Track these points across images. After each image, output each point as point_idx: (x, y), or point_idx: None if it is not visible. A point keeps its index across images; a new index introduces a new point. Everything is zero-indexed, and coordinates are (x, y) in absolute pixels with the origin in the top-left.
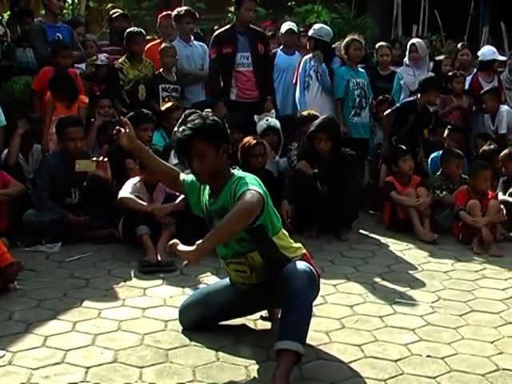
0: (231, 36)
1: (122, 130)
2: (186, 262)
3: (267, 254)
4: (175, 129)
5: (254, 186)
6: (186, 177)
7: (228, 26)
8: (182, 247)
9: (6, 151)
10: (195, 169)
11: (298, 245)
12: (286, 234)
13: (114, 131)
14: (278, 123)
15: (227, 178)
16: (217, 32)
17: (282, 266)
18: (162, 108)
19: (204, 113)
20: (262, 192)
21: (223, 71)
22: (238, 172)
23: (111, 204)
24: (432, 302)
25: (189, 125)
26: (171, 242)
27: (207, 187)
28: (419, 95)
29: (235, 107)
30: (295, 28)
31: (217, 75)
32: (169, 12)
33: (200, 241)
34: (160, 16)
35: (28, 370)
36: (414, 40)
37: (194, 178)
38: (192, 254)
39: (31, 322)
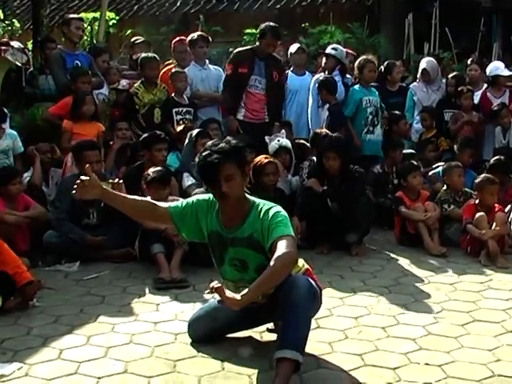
0: (250, 58)
1: (82, 180)
2: (208, 290)
3: None
4: (197, 156)
5: (288, 227)
6: (172, 204)
7: (249, 47)
8: (228, 293)
9: (26, 174)
10: (224, 192)
11: (302, 262)
12: None
13: (75, 186)
14: (289, 143)
15: (248, 207)
16: (237, 50)
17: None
18: (177, 130)
19: (226, 138)
20: (293, 234)
21: (235, 89)
22: (256, 199)
23: (127, 224)
24: (435, 313)
25: (215, 149)
26: (216, 286)
27: (213, 213)
28: None
29: (242, 127)
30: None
31: (228, 91)
32: (182, 37)
33: (244, 292)
34: (174, 41)
35: (43, 381)
36: (424, 64)
37: (182, 206)
38: (237, 303)
39: (48, 337)
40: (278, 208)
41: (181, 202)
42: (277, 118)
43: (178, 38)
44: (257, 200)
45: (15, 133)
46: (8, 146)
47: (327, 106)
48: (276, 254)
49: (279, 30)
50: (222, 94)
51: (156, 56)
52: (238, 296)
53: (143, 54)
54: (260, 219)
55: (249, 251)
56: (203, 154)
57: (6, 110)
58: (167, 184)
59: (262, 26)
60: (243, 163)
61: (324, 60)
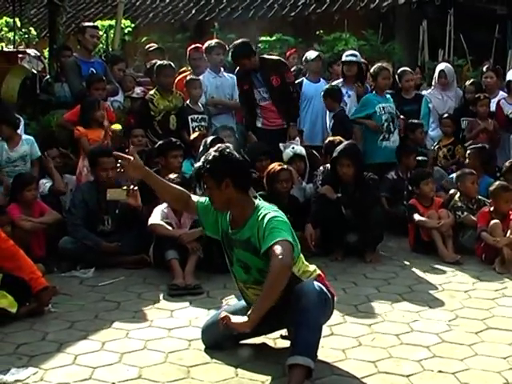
0: (246, 74)
1: (125, 160)
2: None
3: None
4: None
5: (283, 232)
6: (201, 199)
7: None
8: (234, 319)
9: (44, 181)
10: (209, 198)
11: (313, 267)
12: (302, 257)
13: (118, 165)
14: (303, 150)
15: (250, 211)
16: (236, 70)
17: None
18: (191, 137)
19: (217, 146)
20: (290, 238)
21: (248, 106)
22: (261, 204)
23: (142, 230)
24: (449, 320)
25: (202, 158)
26: (223, 316)
27: (226, 213)
28: None
29: (262, 134)
30: (319, 56)
31: (244, 108)
32: (198, 45)
33: (249, 312)
34: (189, 49)
35: None
36: (443, 66)
37: (207, 202)
38: (246, 325)
39: (63, 342)
40: (276, 213)
41: (206, 198)
42: (291, 119)
43: (193, 46)
44: (261, 204)
45: (32, 138)
46: (25, 152)
47: (332, 113)
48: (270, 266)
49: (246, 46)
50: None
51: (171, 63)
52: (245, 318)
53: (158, 62)
54: (257, 224)
55: (248, 254)
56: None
57: (19, 116)
58: (189, 189)
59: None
60: (221, 175)
61: (346, 68)
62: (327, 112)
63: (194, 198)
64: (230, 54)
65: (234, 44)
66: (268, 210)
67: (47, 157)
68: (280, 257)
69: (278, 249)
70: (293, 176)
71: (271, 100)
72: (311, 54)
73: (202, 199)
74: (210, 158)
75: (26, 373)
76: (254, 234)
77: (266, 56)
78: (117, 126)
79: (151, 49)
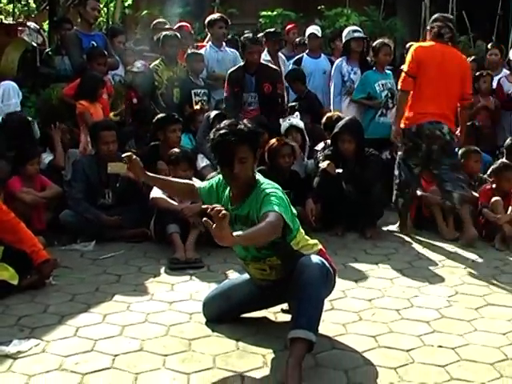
0: (240, 76)
1: (133, 156)
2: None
3: (285, 257)
4: (212, 132)
5: (279, 206)
6: (202, 185)
7: (239, 66)
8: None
9: (44, 155)
10: (235, 173)
11: (315, 241)
12: (303, 232)
13: (125, 159)
14: (300, 123)
15: (253, 185)
16: (230, 70)
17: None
18: (188, 112)
19: (243, 121)
20: (283, 211)
21: (234, 109)
22: (261, 179)
23: (143, 204)
24: (449, 296)
25: (233, 129)
26: (205, 219)
27: (226, 190)
28: None
29: None
30: (318, 32)
31: (227, 112)
32: (183, 23)
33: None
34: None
35: (60, 358)
36: None
37: (211, 185)
38: (224, 238)
39: (64, 315)
40: (276, 190)
41: (208, 182)
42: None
43: (178, 25)
44: (262, 180)
45: (30, 118)
46: None
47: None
48: (266, 219)
49: (258, 37)
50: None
51: (177, 34)
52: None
53: (164, 32)
54: (257, 198)
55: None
56: (220, 131)
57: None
58: (192, 163)
59: (241, 38)
60: (256, 147)
61: (355, 45)
62: (331, 87)
63: (196, 184)
64: (240, 43)
65: (246, 35)
66: (268, 187)
67: (55, 128)
68: (269, 220)
69: (269, 216)
70: (295, 151)
71: (258, 105)
72: (308, 31)
73: (203, 184)
74: (250, 129)
75: (28, 344)
76: (253, 209)
77: (264, 62)
78: (114, 117)
79: (158, 22)
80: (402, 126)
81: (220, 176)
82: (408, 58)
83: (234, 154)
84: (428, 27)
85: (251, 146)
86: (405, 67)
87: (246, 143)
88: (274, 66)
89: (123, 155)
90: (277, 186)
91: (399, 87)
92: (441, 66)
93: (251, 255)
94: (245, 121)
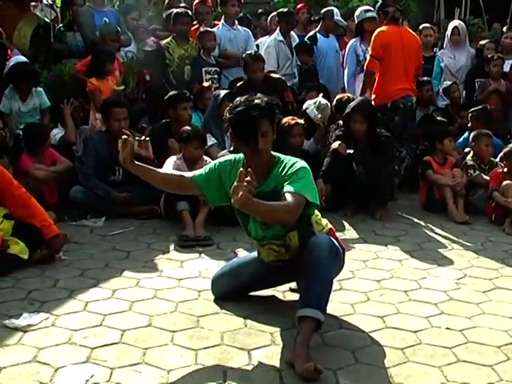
0: (243, 93)
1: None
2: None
3: (303, 233)
4: (228, 111)
5: (302, 187)
6: (196, 173)
7: (242, 83)
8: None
9: (55, 131)
10: (260, 148)
11: (325, 221)
12: (316, 210)
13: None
14: (327, 103)
15: (273, 160)
16: (232, 90)
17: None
18: (196, 90)
19: (258, 95)
20: (307, 192)
21: None
22: (278, 154)
23: None
24: (458, 279)
25: (251, 104)
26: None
27: (237, 171)
28: None
29: None
30: (337, 15)
31: None
32: None
33: (254, 200)
34: (195, 3)
35: (69, 331)
36: (456, 22)
37: (209, 169)
38: (238, 200)
39: (74, 289)
40: (304, 164)
41: (204, 168)
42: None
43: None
44: (281, 156)
45: (40, 89)
46: (35, 104)
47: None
48: (288, 200)
49: (259, 54)
50: None
51: (189, 11)
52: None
53: (175, 10)
54: (285, 172)
55: None
56: (238, 109)
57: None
58: (203, 141)
59: (243, 55)
60: (274, 120)
61: (369, 25)
62: (345, 68)
63: (186, 174)
64: (243, 60)
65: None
66: (294, 160)
67: (66, 104)
68: (290, 203)
69: (292, 198)
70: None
71: None
72: (325, 10)
73: (197, 173)
74: (267, 102)
75: (37, 318)
76: (281, 182)
77: (269, 74)
78: (117, 87)
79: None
80: (375, 102)
81: (218, 161)
82: (372, 42)
83: (257, 128)
84: (380, 12)
85: (270, 118)
86: (371, 51)
87: (265, 116)
88: (277, 75)
89: (136, 138)
90: (298, 159)
91: (365, 68)
92: (403, 47)
93: (272, 233)
94: (259, 95)
